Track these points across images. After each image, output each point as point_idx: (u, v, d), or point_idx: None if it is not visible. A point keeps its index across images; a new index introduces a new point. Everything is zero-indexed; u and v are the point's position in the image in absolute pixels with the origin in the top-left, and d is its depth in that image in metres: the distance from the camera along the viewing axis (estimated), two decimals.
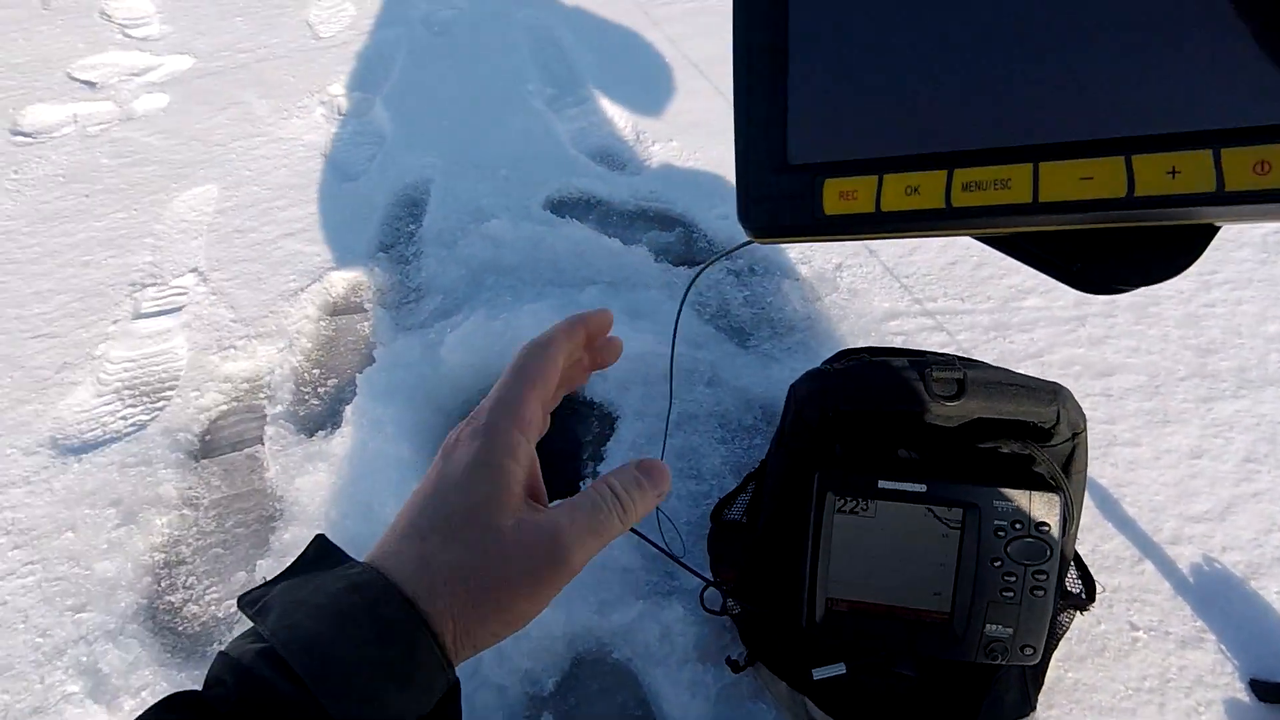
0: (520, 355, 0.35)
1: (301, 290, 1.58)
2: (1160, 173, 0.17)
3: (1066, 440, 0.74)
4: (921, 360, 0.79)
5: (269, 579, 0.31)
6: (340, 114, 2.31)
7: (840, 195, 0.21)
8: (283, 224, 1.78)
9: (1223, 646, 0.90)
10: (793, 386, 0.81)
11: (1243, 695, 0.86)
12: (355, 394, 1.28)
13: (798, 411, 0.78)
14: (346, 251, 1.72)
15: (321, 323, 1.54)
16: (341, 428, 1.24)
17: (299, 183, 1.94)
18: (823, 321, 1.49)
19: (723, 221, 1.77)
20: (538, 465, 0.34)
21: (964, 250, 1.58)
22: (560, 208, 1.88)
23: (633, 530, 1.02)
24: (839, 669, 0.85)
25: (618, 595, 1.03)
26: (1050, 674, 0.90)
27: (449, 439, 0.34)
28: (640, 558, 1.07)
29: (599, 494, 0.32)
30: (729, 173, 1.93)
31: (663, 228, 1.82)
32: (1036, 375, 0.82)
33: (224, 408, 1.38)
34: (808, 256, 1.65)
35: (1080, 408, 0.76)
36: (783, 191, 0.21)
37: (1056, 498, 0.71)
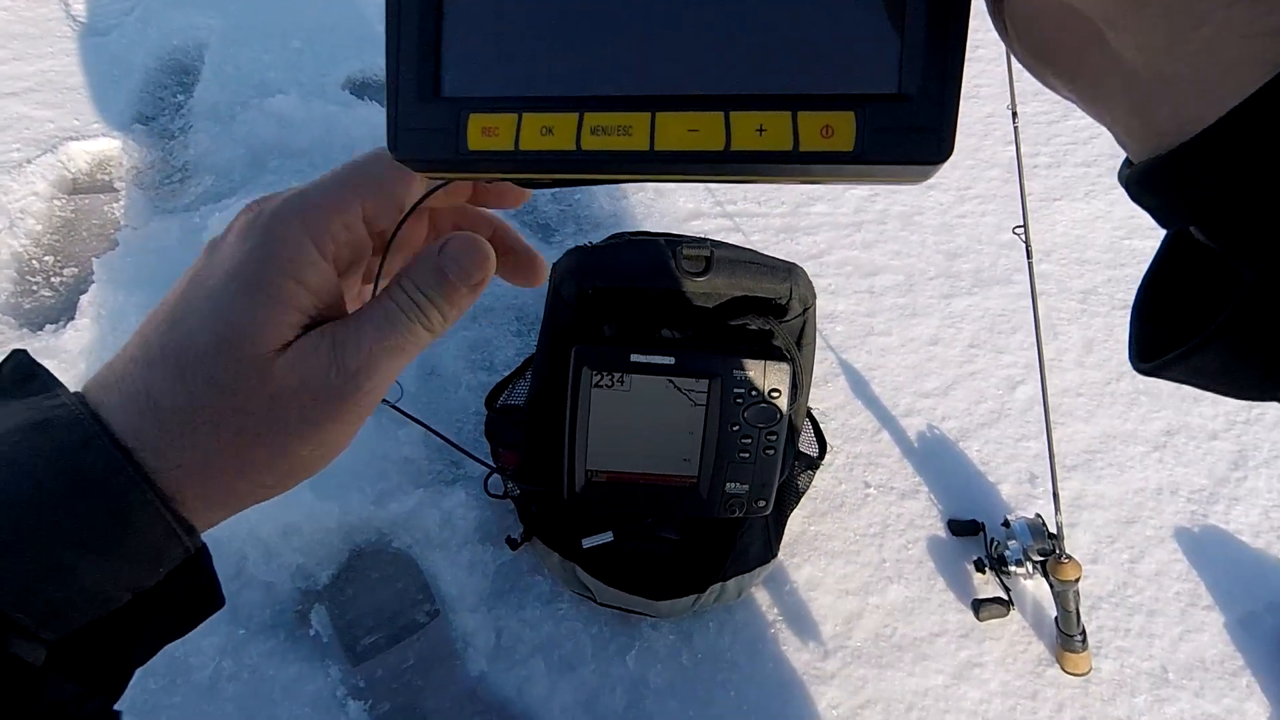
0: (360, 155, 0.25)
1: (29, 162, 1.35)
2: (751, 129, 0.19)
3: (798, 315, 0.81)
4: (676, 240, 0.82)
5: None
6: None
7: (483, 131, 0.21)
8: (2, 80, 1.49)
9: (932, 496, 1.05)
10: (554, 264, 0.81)
11: (942, 533, 1.02)
12: (93, 283, 1.13)
13: (555, 287, 0.79)
14: (92, 120, 1.48)
15: (56, 202, 1.33)
16: (76, 320, 1.09)
17: (26, 31, 1.62)
18: (627, 219, 1.50)
19: None
20: (341, 299, 0.25)
21: None
22: (362, 89, 1.72)
23: (417, 421, 0.99)
24: (607, 537, 0.90)
25: (397, 485, 1.02)
26: (795, 528, 1.01)
27: (221, 232, 0.24)
28: (423, 448, 1.06)
29: (395, 300, 0.24)
30: None
31: None
32: (814, 274, 0.88)
33: None
34: None
35: (811, 285, 0.82)
36: (431, 123, 0.21)
37: (787, 367, 0.78)
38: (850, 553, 1.00)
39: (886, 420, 1.15)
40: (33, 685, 0.20)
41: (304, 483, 0.79)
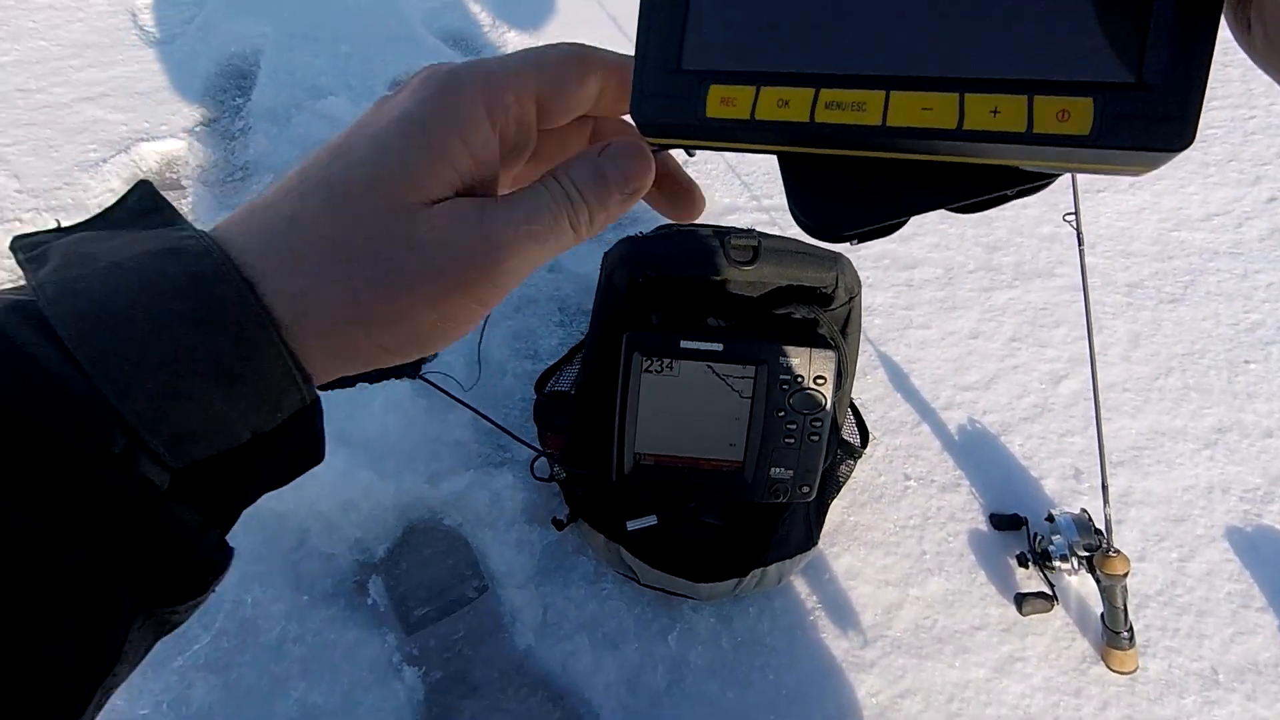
0: (548, 45, 0.25)
1: (104, 161, 1.42)
2: (985, 110, 0.20)
3: (844, 304, 0.82)
4: (724, 231, 0.84)
5: (63, 225, 0.22)
6: None
7: (722, 101, 0.22)
8: (78, 86, 1.57)
9: (974, 489, 1.05)
10: (606, 253, 0.84)
11: (983, 526, 1.02)
12: None
13: (608, 276, 0.81)
14: (160, 122, 1.55)
15: None
16: None
17: (100, 41, 1.71)
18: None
19: None
20: (497, 177, 0.24)
21: None
22: None
23: (470, 407, 1.02)
24: (651, 520, 0.92)
25: (449, 467, 1.05)
26: (835, 518, 1.02)
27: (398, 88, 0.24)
28: (473, 431, 1.10)
29: (549, 190, 0.23)
30: None
31: None
32: (852, 266, 0.89)
33: (8, 287, 1.24)
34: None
35: (857, 274, 0.84)
36: (673, 91, 0.22)
37: (833, 354, 0.79)
38: (890, 544, 1.01)
39: (926, 413, 1.15)
40: (160, 508, 0.19)
41: (362, 461, 0.83)
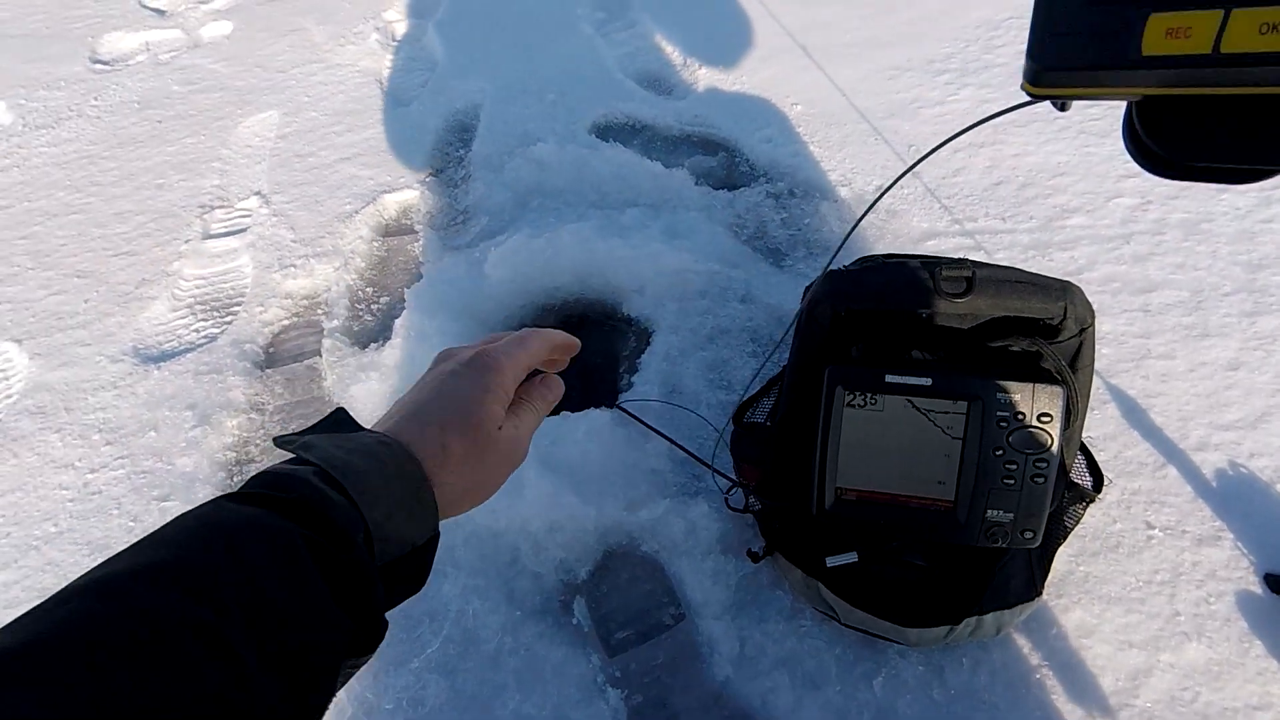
0: (525, 331, 0.46)
1: (356, 212, 1.66)
2: None
3: (1074, 335, 0.75)
4: (933, 261, 0.81)
5: (297, 430, 0.39)
6: (394, 40, 2.35)
7: (1167, 33, 0.18)
8: (339, 149, 1.85)
9: (1240, 544, 0.91)
10: (807, 287, 0.84)
11: (1256, 588, 0.87)
12: (404, 309, 1.36)
13: (809, 310, 0.81)
14: (399, 175, 1.78)
15: (374, 243, 1.62)
16: (392, 340, 1.32)
17: (355, 108, 2.00)
18: (859, 241, 1.49)
19: (766, 145, 1.76)
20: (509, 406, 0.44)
21: (1010, 171, 1.54)
22: (605, 132, 1.90)
23: (666, 437, 1.07)
24: (851, 557, 0.90)
25: (646, 494, 1.09)
26: (1062, 567, 0.93)
27: (457, 355, 0.43)
28: (669, 461, 1.13)
29: (534, 403, 0.45)
30: (775, 97, 1.91)
31: (706, 152, 1.82)
32: (1083, 295, 0.82)
33: (285, 322, 1.48)
34: (848, 178, 1.63)
35: (1089, 304, 0.76)
36: (1093, 27, 0.19)
37: (1059, 390, 0.73)
38: (1132, 600, 0.90)
39: (1172, 454, 1.01)
40: (373, 577, 0.33)
41: (568, 486, 1.04)
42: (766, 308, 1.36)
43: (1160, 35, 0.18)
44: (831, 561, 0.89)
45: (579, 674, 0.92)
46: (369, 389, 1.26)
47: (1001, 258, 1.37)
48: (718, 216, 1.59)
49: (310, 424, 0.40)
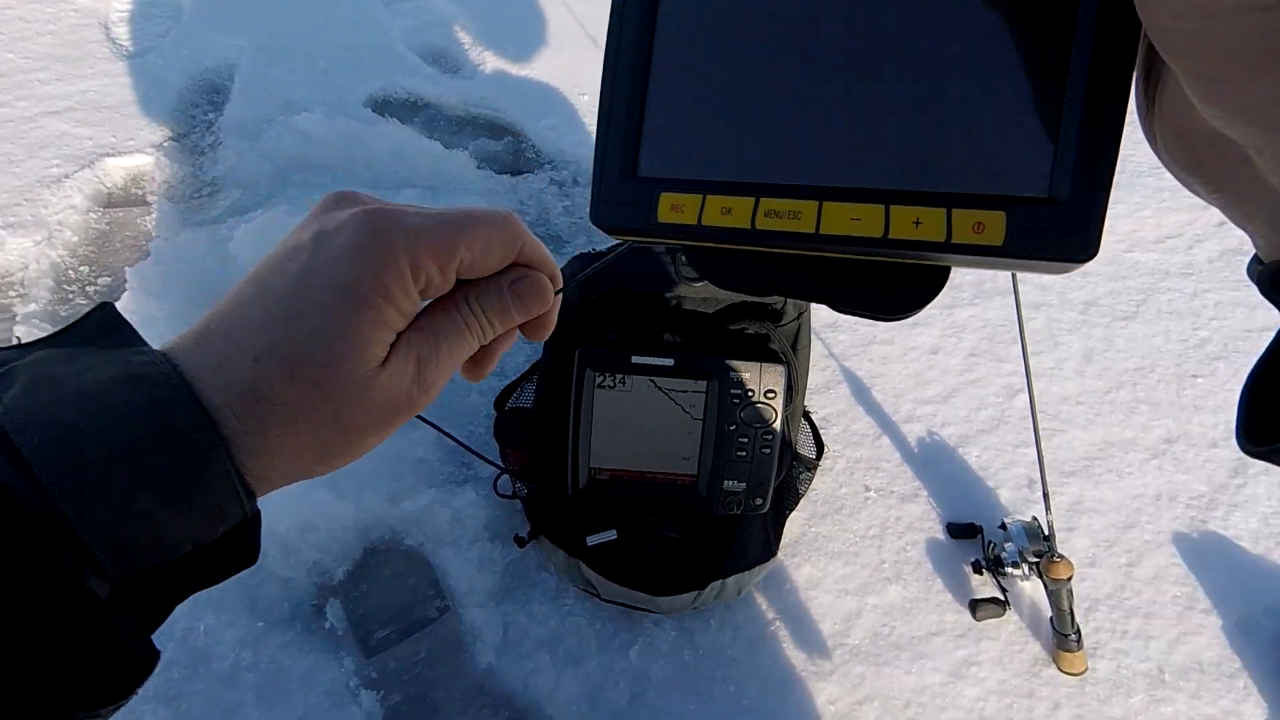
0: (487, 210, 0.27)
1: (67, 177, 1.42)
2: (909, 221, 0.22)
3: (793, 320, 0.84)
4: (676, 247, 0.86)
5: (23, 341, 0.25)
6: None
7: (671, 207, 0.24)
8: (44, 100, 1.57)
9: (931, 500, 1.07)
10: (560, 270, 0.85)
11: (940, 536, 1.04)
12: (125, 291, 1.19)
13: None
14: (127, 137, 1.55)
15: (92, 214, 1.40)
16: None
17: (70, 54, 1.71)
18: None
19: (551, 133, 1.77)
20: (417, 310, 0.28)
21: None
22: (383, 107, 1.79)
23: (430, 423, 1.03)
24: (611, 535, 0.93)
25: (410, 485, 1.06)
26: (796, 530, 1.04)
27: (333, 214, 0.26)
28: (436, 449, 1.10)
29: (463, 317, 0.28)
30: (563, 85, 1.91)
31: (491, 135, 1.78)
32: None
33: None
34: None
35: None
36: (628, 198, 0.25)
37: (782, 368, 0.81)
38: (850, 554, 1.02)
39: (887, 426, 1.17)
40: (99, 619, 0.21)
41: (320, 482, 0.84)
42: None
43: (668, 209, 0.24)
44: (592, 540, 0.92)
45: (329, 680, 0.87)
46: None
47: None
48: (500, 201, 1.57)
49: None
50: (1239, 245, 1.38)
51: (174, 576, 0.23)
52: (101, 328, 0.25)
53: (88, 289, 1.28)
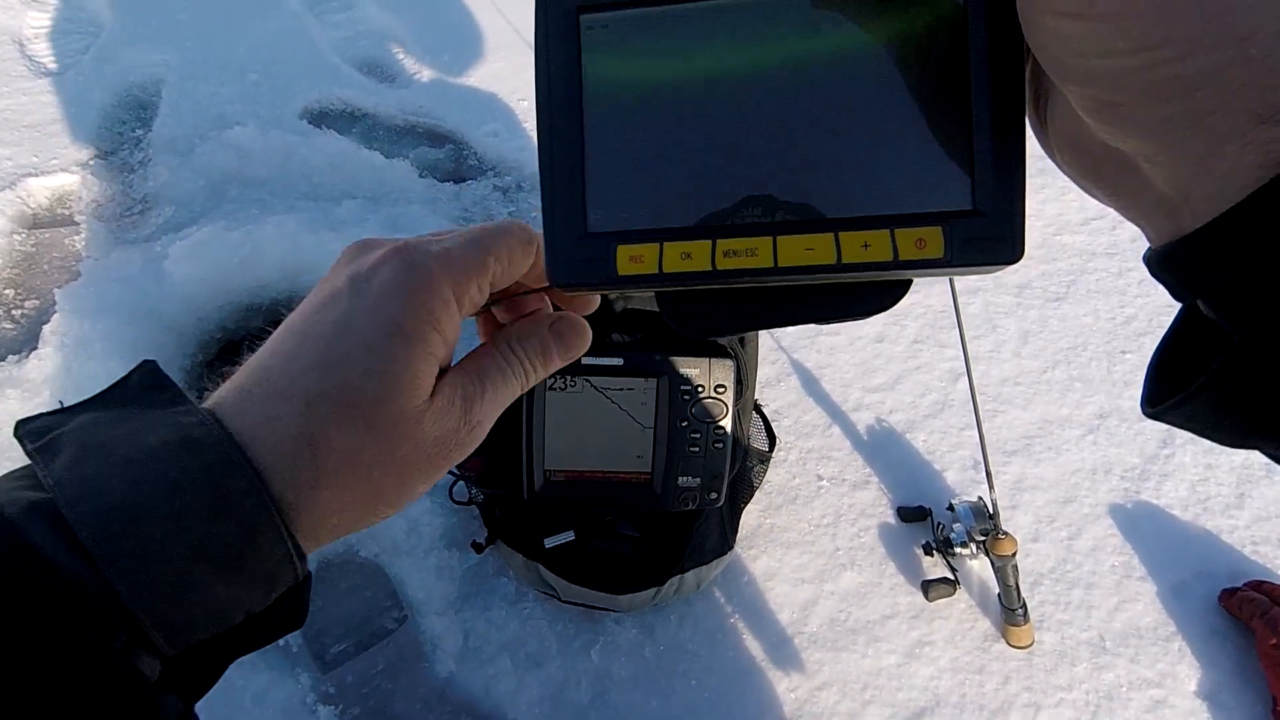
0: (499, 223, 0.29)
1: None
2: (858, 245, 0.24)
3: None
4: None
5: (67, 405, 0.24)
6: None
7: (630, 259, 0.25)
8: None
9: (882, 485, 1.10)
10: None
11: (892, 520, 1.06)
12: (56, 313, 1.14)
13: None
14: (50, 156, 1.50)
15: (16, 237, 1.34)
16: (39, 350, 1.10)
17: None
18: None
19: (492, 139, 1.76)
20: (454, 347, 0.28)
21: None
22: (319, 119, 1.76)
23: None
24: (568, 536, 0.93)
25: None
26: (752, 522, 1.05)
27: (362, 259, 0.26)
28: None
29: (508, 360, 0.29)
30: (503, 91, 1.91)
31: (432, 144, 1.77)
32: None
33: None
34: None
35: None
36: (584, 255, 0.25)
37: (731, 362, 0.82)
38: (805, 543, 1.04)
39: (837, 415, 1.20)
40: (147, 701, 0.20)
41: None
42: None
43: (627, 260, 0.25)
44: (550, 542, 0.92)
45: (284, 698, 0.85)
46: (5, 409, 1.04)
47: None
48: (443, 209, 1.56)
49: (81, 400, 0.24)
50: None
51: (224, 646, 0.23)
52: (146, 386, 0.25)
53: (14, 312, 1.23)
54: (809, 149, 0.24)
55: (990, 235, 0.23)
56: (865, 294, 0.26)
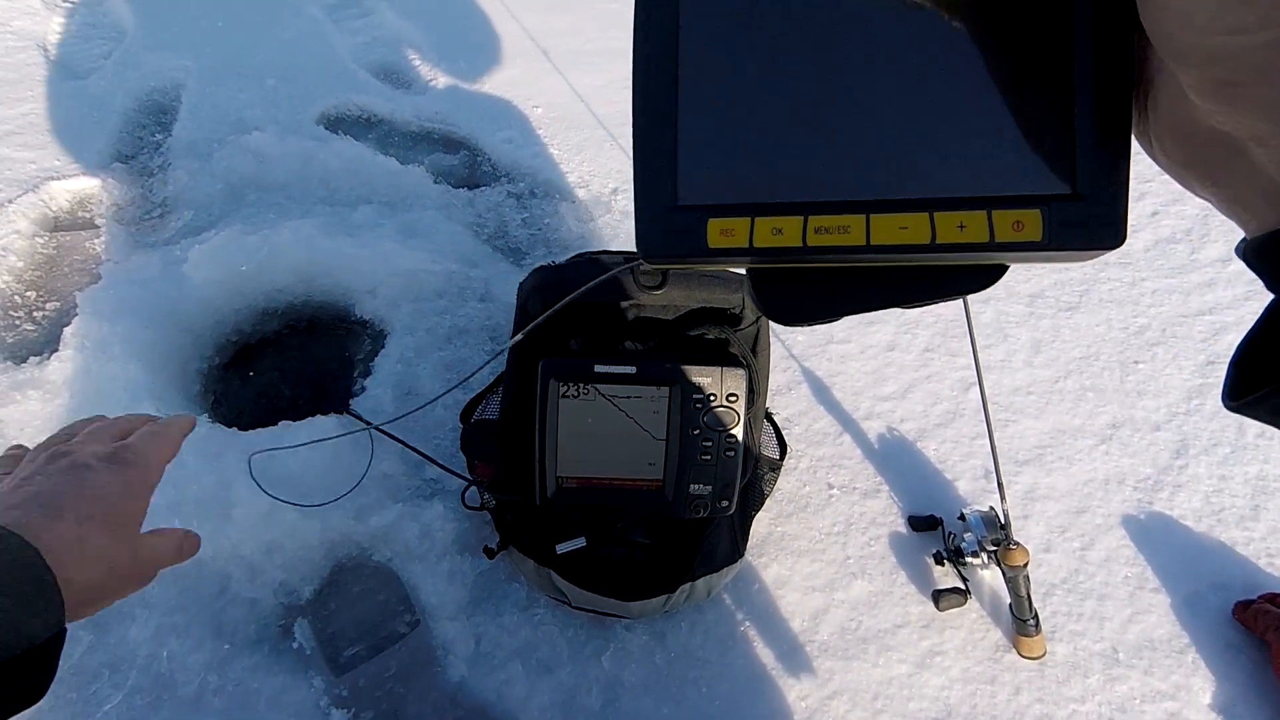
0: (161, 422, 0.47)
1: (10, 202, 1.38)
2: (953, 225, 0.23)
3: (752, 323, 0.86)
4: (634, 255, 0.87)
5: None
6: (64, 0, 1.98)
7: (721, 232, 0.25)
8: None
9: (893, 494, 1.10)
10: (520, 283, 0.86)
11: (902, 529, 1.06)
12: (76, 315, 1.16)
13: (522, 304, 0.83)
14: (72, 160, 1.52)
15: (38, 239, 1.36)
16: (60, 352, 1.12)
17: (6, 77, 1.66)
18: (595, 241, 1.56)
19: (507, 146, 1.77)
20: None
21: None
22: (336, 124, 1.78)
23: (395, 438, 1.02)
24: (580, 543, 0.94)
25: (376, 500, 1.05)
26: (763, 530, 1.05)
27: (55, 446, 0.43)
28: (401, 464, 1.09)
29: (174, 541, 0.46)
30: (517, 98, 1.92)
31: (446, 150, 1.78)
32: None
33: None
34: (586, 180, 1.70)
35: None
36: (675, 226, 0.25)
37: (743, 372, 0.83)
38: (816, 551, 1.04)
39: (848, 424, 1.20)
40: None
41: (286, 502, 0.93)
42: (507, 306, 1.37)
43: (718, 234, 0.25)
44: (561, 548, 0.93)
45: (299, 700, 0.86)
46: (28, 410, 1.06)
47: None
48: (457, 215, 1.57)
49: None
50: (1171, 234, 1.44)
51: (6, 677, 0.32)
52: None
53: (35, 314, 1.25)
54: (906, 126, 0.23)
55: (1091, 219, 0.22)
56: (960, 277, 0.25)
